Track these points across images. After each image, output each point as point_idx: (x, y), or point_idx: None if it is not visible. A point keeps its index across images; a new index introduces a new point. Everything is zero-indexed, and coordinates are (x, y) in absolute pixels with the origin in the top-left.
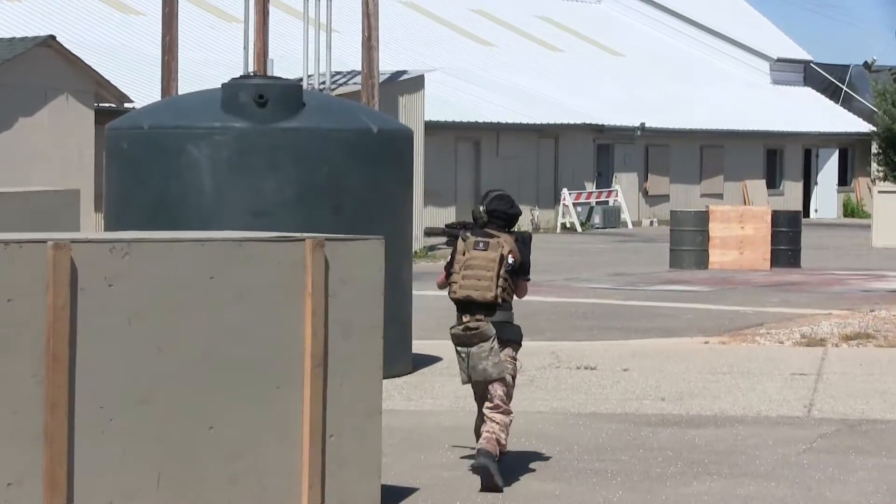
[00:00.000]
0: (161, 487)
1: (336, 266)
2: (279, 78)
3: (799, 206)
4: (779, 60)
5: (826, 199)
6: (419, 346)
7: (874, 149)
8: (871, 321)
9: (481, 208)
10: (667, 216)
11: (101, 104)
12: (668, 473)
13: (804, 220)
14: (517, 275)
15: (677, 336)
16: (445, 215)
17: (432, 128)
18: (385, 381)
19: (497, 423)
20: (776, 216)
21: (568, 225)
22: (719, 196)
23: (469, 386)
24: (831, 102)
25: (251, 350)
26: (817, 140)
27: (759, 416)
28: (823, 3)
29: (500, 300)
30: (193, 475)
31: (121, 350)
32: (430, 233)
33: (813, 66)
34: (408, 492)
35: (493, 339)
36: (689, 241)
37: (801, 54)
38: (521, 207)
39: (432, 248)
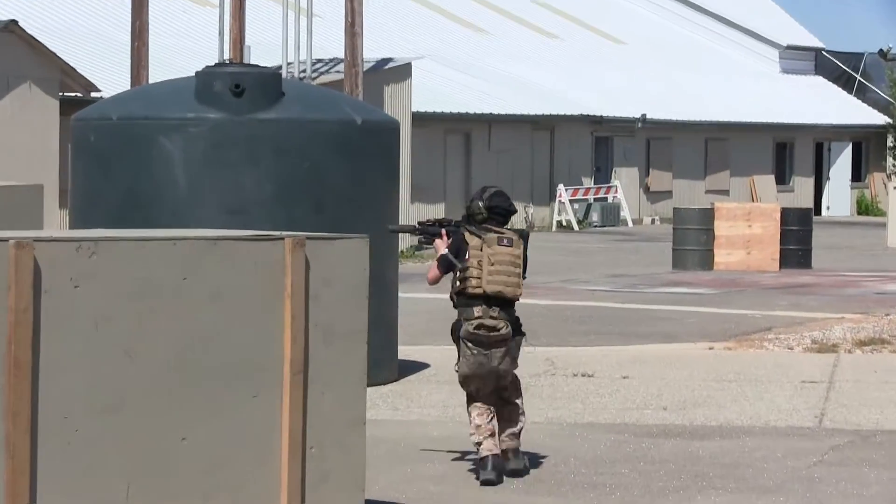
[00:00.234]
0: (130, 502)
1: (317, 267)
2: (256, 66)
3: (810, 203)
4: (788, 48)
5: (838, 195)
6: (405, 352)
7: (890, 142)
8: (887, 326)
9: (480, 204)
10: (669, 214)
11: (66, 93)
12: (670, 488)
13: (815, 218)
14: None
15: (680, 341)
16: (434, 212)
17: (420, 119)
18: (369, 389)
19: (520, 408)
20: (786, 214)
21: (564, 223)
22: (725, 192)
23: (459, 391)
24: (844, 93)
25: (227, 356)
26: (829, 133)
27: (768, 427)
28: None
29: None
30: (165, 489)
31: (87, 356)
32: (397, 231)
33: (825, 53)
34: None
35: (510, 341)
36: (693, 241)
37: (813, 41)
38: (515, 204)
39: (419, 247)
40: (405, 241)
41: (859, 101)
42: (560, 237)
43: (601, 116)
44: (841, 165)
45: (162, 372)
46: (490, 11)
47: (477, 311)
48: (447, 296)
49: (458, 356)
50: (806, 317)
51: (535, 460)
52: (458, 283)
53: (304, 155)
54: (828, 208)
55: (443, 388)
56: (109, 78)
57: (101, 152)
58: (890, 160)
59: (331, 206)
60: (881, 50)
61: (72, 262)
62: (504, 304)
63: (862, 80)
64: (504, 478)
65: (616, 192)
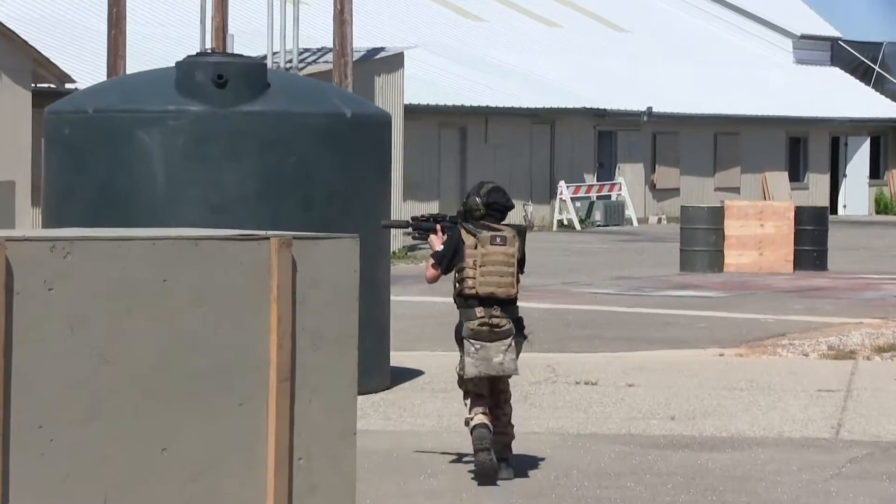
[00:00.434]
0: None
1: (305, 268)
2: (240, 55)
3: (825, 202)
4: (803, 37)
5: (856, 193)
6: (398, 359)
7: None
8: None
9: (478, 200)
10: (676, 212)
11: (39, 84)
12: (678, 502)
13: (831, 218)
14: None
15: (688, 347)
16: (428, 210)
17: (413, 112)
18: (360, 398)
19: (509, 416)
20: (800, 213)
21: (565, 222)
22: (736, 190)
23: (455, 400)
24: (862, 84)
25: (209, 362)
26: (846, 127)
27: (781, 438)
28: None
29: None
30: (144, 502)
31: (62, 361)
32: (390, 226)
33: (841, 43)
34: None
35: (513, 337)
36: (702, 241)
37: (829, 30)
38: (514, 202)
39: (413, 247)
40: (397, 241)
41: (878, 94)
42: (561, 237)
43: (604, 109)
44: (858, 161)
45: (141, 378)
46: None
47: (478, 311)
48: (443, 299)
49: (461, 357)
50: (822, 322)
51: (535, 473)
52: (457, 283)
53: (291, 150)
54: (844, 207)
55: (437, 397)
56: (85, 68)
57: (76, 147)
58: None
59: (319, 204)
60: None
61: (45, 263)
62: (504, 303)
63: (880, 71)
64: (498, 461)
65: (620, 189)
